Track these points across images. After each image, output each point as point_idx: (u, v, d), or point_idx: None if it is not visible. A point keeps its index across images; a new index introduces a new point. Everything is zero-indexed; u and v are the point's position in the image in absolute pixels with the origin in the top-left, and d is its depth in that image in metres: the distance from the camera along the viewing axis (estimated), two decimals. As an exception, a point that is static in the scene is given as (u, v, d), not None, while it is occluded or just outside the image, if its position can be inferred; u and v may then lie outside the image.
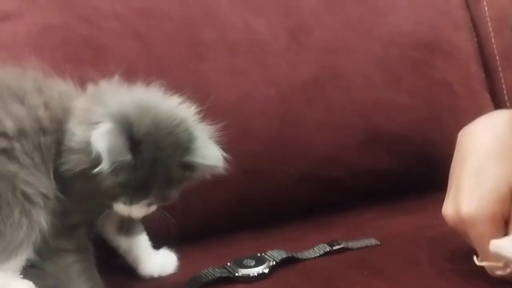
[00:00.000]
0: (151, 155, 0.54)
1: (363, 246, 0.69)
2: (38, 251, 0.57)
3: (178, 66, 0.76)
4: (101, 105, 0.57)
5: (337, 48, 0.84)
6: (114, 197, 0.57)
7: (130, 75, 0.70)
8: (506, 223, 0.54)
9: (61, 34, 0.73)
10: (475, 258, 0.55)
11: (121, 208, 0.58)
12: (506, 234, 0.54)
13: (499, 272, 0.53)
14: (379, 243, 0.69)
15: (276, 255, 0.65)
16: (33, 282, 0.56)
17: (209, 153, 0.59)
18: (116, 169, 0.53)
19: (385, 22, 0.88)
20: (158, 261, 0.67)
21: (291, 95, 0.80)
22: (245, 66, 0.79)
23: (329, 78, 0.82)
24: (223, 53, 0.78)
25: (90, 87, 0.62)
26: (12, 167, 0.55)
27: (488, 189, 0.54)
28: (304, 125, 0.80)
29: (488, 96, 0.93)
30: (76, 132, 0.56)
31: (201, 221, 0.74)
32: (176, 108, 0.59)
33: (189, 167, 0.58)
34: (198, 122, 0.60)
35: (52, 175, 0.57)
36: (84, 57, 0.72)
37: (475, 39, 0.97)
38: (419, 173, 0.84)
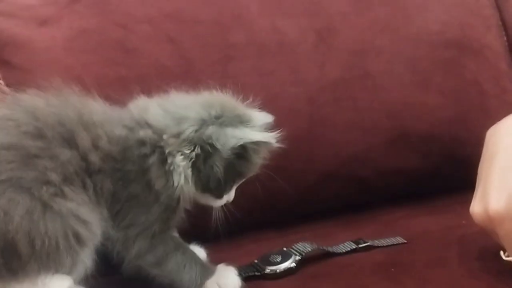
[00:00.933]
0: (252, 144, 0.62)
1: (389, 244, 0.69)
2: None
3: (209, 68, 0.78)
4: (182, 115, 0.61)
5: (365, 49, 0.85)
6: (226, 192, 0.64)
7: (162, 77, 0.73)
8: None
9: (96, 37, 0.76)
10: (501, 253, 0.55)
11: (221, 202, 0.65)
12: None
13: None
14: (405, 241, 0.69)
15: (301, 248, 0.66)
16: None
17: (264, 134, 0.64)
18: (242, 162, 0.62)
19: (414, 22, 0.88)
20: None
21: (319, 95, 0.81)
22: (273, 67, 0.80)
23: (357, 78, 0.83)
24: (252, 55, 0.80)
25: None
26: (70, 205, 0.56)
27: None
28: (332, 124, 0.81)
29: (519, 95, 0.92)
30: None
31: (230, 217, 0.76)
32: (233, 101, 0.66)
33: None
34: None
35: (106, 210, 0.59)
36: (118, 60, 0.75)
37: (505, 38, 0.96)
38: (447, 173, 0.84)
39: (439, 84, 0.86)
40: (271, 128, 0.66)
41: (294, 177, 0.79)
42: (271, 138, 0.64)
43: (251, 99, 0.66)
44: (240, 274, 0.63)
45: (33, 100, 0.60)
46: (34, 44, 0.75)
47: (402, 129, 0.83)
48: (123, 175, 0.60)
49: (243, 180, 0.66)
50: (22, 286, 0.53)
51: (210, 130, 0.60)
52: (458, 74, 0.88)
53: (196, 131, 0.60)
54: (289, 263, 0.65)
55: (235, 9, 0.82)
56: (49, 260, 0.55)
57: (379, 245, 0.69)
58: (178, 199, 0.62)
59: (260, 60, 0.80)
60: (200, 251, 0.70)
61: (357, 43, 0.85)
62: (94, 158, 0.58)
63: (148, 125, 0.61)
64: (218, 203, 0.65)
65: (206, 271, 0.63)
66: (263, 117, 0.66)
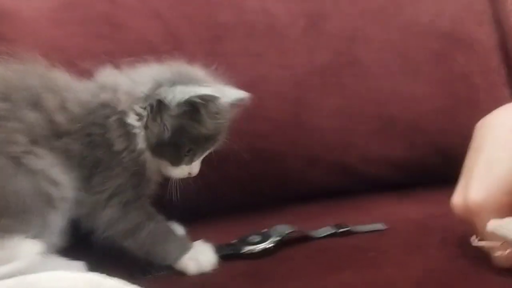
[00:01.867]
0: (213, 109, 0.62)
1: (370, 230, 0.69)
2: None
3: (196, 46, 0.78)
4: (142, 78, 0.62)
5: (355, 36, 0.84)
6: (182, 158, 0.62)
7: (149, 53, 0.72)
8: None
9: (83, 10, 0.75)
10: (473, 238, 0.54)
11: (180, 172, 0.63)
12: None
13: (498, 253, 0.52)
14: (386, 227, 0.69)
15: (281, 230, 0.66)
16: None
17: (234, 92, 0.65)
18: (200, 123, 0.60)
19: (405, 12, 0.88)
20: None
21: (306, 80, 0.81)
22: (262, 49, 0.80)
23: (345, 64, 0.83)
24: (241, 36, 0.80)
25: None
26: (42, 163, 0.56)
27: (498, 179, 0.53)
28: (318, 109, 0.80)
29: (508, 90, 0.92)
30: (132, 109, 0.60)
31: (212, 197, 0.75)
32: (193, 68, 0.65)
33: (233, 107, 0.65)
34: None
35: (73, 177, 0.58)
36: (104, 33, 0.74)
37: (497, 34, 0.96)
38: (432, 163, 0.84)
39: (428, 75, 0.86)
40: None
41: (278, 160, 0.79)
42: (219, 92, 0.62)
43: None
44: (217, 252, 0.63)
45: None
46: (20, 14, 0.74)
47: (389, 118, 0.83)
48: (90, 139, 0.60)
49: (206, 151, 0.64)
50: None
51: (162, 89, 0.60)
52: (447, 66, 0.87)
53: (149, 90, 0.60)
54: (267, 244, 0.64)
55: (225, -12, 0.81)
56: (19, 218, 0.54)
57: (359, 231, 0.68)
58: (143, 165, 0.61)
59: (249, 41, 0.80)
60: (178, 229, 0.69)
61: (347, 30, 0.84)
62: (61, 119, 0.58)
63: (109, 89, 0.62)
64: (177, 173, 0.63)
65: (183, 245, 0.62)
66: (234, 92, 0.65)
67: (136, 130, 0.60)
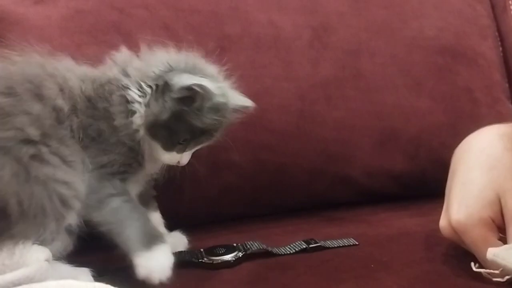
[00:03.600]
0: (220, 103, 0.63)
1: (341, 245, 0.68)
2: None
3: (202, 57, 0.78)
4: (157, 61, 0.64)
5: (360, 49, 0.85)
6: (175, 145, 0.63)
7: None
8: (502, 227, 0.55)
9: (92, 19, 0.76)
10: (472, 264, 0.56)
11: (169, 157, 0.64)
12: (503, 236, 0.55)
13: (497, 279, 0.54)
14: (357, 243, 0.68)
15: (249, 246, 0.66)
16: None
17: (242, 98, 0.68)
18: (197, 114, 0.61)
19: (410, 26, 0.88)
20: (170, 240, 0.68)
21: (310, 92, 0.81)
22: (267, 61, 0.81)
23: (349, 78, 0.84)
24: (247, 47, 0.80)
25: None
26: (47, 170, 0.56)
27: (474, 197, 0.57)
28: (321, 122, 0.81)
29: (510, 106, 0.93)
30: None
31: (214, 206, 0.76)
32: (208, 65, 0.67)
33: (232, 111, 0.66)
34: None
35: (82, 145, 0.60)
36: (112, 43, 0.75)
37: (500, 49, 0.97)
38: (434, 177, 0.83)
39: (431, 89, 0.87)
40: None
41: (281, 172, 0.80)
42: (226, 92, 0.64)
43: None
44: (177, 258, 0.61)
45: None
46: (29, 21, 0.75)
47: (391, 131, 0.84)
48: (94, 112, 0.62)
49: (199, 144, 0.65)
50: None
51: (171, 73, 0.62)
52: (451, 81, 0.88)
53: (160, 71, 0.63)
54: (229, 257, 0.65)
55: (232, 0, 0.82)
56: (36, 222, 0.55)
57: (330, 246, 0.68)
58: (138, 141, 0.63)
59: (255, 53, 0.81)
60: (182, 239, 0.69)
61: (352, 43, 0.85)
62: (61, 102, 0.60)
63: (119, 66, 0.64)
64: (167, 158, 0.64)
65: (147, 240, 0.59)
66: (241, 98, 0.67)
67: (136, 106, 0.62)
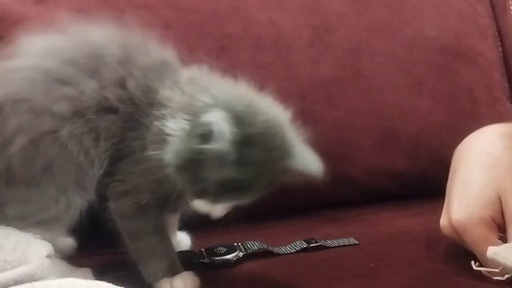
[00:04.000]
0: (259, 156, 0.51)
1: (341, 244, 0.68)
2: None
3: (203, 57, 0.78)
4: (205, 94, 0.54)
5: (360, 49, 0.86)
6: (199, 195, 0.53)
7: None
8: (502, 227, 0.56)
9: (92, 19, 0.76)
10: (472, 263, 0.56)
11: (201, 205, 0.55)
12: (503, 236, 0.56)
13: (497, 278, 0.54)
14: (357, 242, 0.68)
15: (249, 246, 0.66)
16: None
17: (309, 160, 0.57)
18: (221, 161, 0.49)
19: (410, 26, 0.89)
20: (173, 240, 0.67)
21: (311, 92, 0.82)
22: (268, 60, 0.81)
23: (350, 77, 0.84)
24: (247, 47, 0.81)
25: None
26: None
27: (474, 196, 0.57)
28: (322, 121, 0.81)
29: (510, 105, 0.93)
30: (178, 118, 0.53)
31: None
32: (274, 108, 0.57)
33: (289, 172, 0.55)
34: (293, 126, 0.58)
35: (104, 158, 0.56)
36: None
37: (500, 48, 0.97)
38: (434, 176, 0.84)
39: (431, 89, 0.87)
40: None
41: (282, 171, 0.80)
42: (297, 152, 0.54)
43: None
44: (183, 259, 0.61)
45: (87, 31, 0.60)
46: (30, 21, 0.75)
47: (391, 131, 0.84)
48: (134, 124, 0.56)
49: (233, 200, 0.55)
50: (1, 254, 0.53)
51: (220, 116, 0.50)
52: (451, 80, 0.89)
53: (207, 105, 0.52)
54: (230, 257, 0.65)
55: (233, 0, 0.82)
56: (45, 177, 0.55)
57: (330, 246, 0.68)
58: (168, 177, 0.54)
59: (255, 52, 0.81)
60: (185, 239, 0.69)
61: (352, 42, 0.85)
62: (111, 95, 0.55)
63: (182, 90, 0.56)
64: (196, 204, 0.55)
65: (168, 269, 0.58)
66: (310, 162, 0.56)
67: (171, 138, 0.53)
